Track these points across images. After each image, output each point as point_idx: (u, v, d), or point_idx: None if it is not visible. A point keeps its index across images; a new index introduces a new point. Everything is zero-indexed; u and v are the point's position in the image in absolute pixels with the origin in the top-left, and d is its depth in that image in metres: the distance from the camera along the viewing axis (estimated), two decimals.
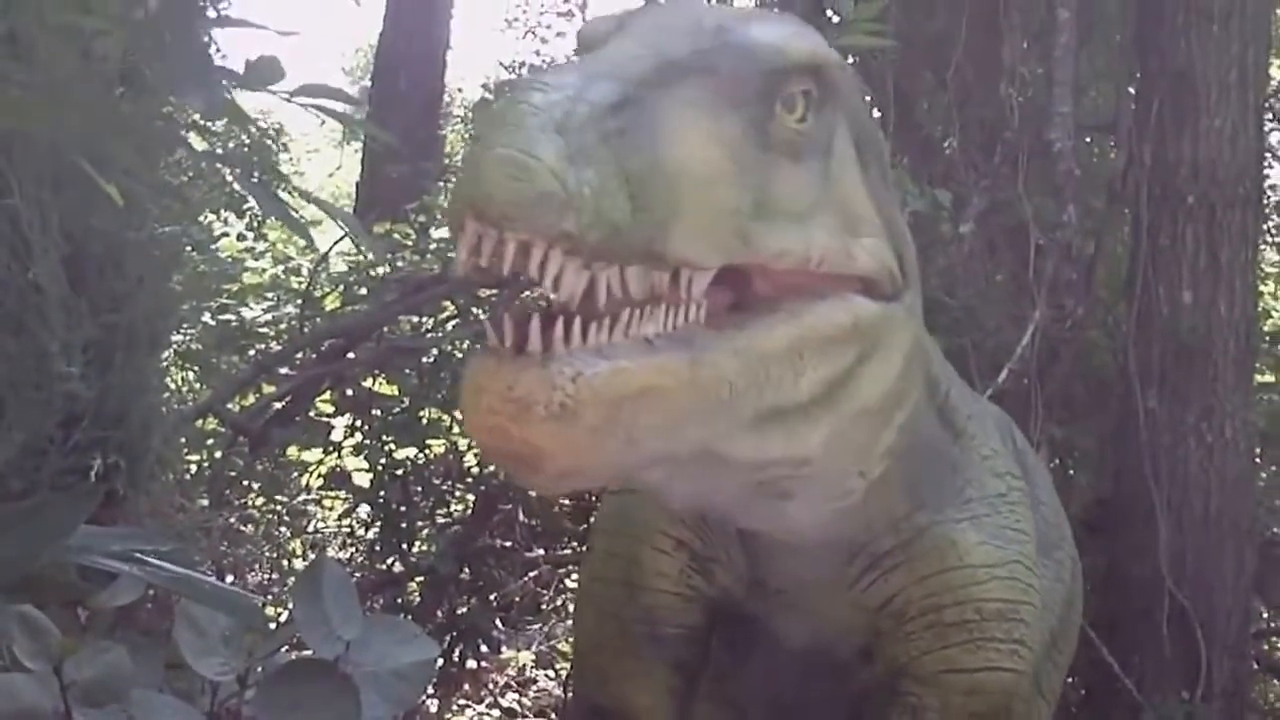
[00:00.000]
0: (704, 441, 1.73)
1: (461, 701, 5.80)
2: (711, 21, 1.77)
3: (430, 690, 5.34)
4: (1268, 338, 6.94)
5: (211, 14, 2.72)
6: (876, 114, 5.98)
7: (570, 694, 3.16)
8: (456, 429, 6.14)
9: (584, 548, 3.46)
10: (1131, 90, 5.90)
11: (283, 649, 2.56)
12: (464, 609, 5.84)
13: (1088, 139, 6.88)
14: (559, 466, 1.51)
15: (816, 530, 2.37)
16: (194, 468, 5.64)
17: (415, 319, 6.06)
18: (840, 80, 1.97)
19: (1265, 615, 6.26)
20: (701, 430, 1.69)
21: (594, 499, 4.86)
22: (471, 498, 6.21)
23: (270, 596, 5.84)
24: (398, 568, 6.02)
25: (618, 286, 1.51)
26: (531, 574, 6.28)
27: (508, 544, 6.11)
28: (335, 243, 6.77)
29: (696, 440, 1.70)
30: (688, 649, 2.77)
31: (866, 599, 2.56)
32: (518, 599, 6.33)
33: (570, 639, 5.50)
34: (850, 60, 5.46)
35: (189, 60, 2.20)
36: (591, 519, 3.86)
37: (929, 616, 2.52)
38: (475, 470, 6.14)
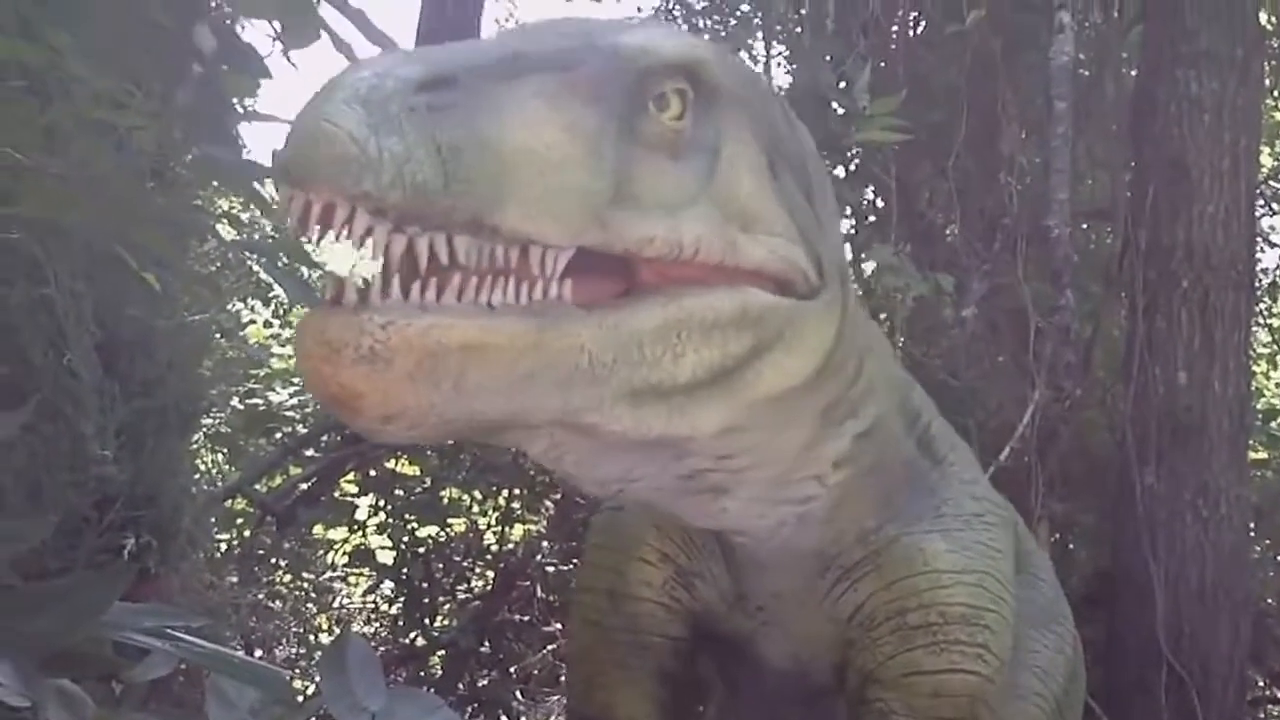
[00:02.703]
0: (567, 410, 1.73)
1: None
2: (584, 29, 1.86)
3: None
4: (1261, 416, 6.99)
5: (239, 110, 2.83)
6: (879, 203, 6.10)
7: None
8: (476, 508, 6.28)
9: None
10: (1127, 178, 5.98)
11: None
12: (485, 681, 6.00)
13: (1085, 225, 6.98)
14: (375, 410, 1.55)
15: (780, 537, 2.44)
16: (223, 546, 5.80)
17: None
18: (727, 84, 1.99)
19: (1261, 684, 6.29)
20: (559, 397, 1.70)
21: None
22: (491, 574, 6.37)
23: (298, 670, 5.95)
24: (420, 642, 6.17)
25: (445, 254, 1.55)
26: (549, 647, 6.38)
27: (526, 618, 6.25)
28: None
29: (556, 407, 1.71)
30: (671, 659, 2.84)
31: (838, 610, 2.62)
32: (536, 671, 6.40)
33: None
34: (855, 151, 5.62)
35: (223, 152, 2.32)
36: None
37: (894, 621, 2.56)
38: (495, 548, 6.28)
